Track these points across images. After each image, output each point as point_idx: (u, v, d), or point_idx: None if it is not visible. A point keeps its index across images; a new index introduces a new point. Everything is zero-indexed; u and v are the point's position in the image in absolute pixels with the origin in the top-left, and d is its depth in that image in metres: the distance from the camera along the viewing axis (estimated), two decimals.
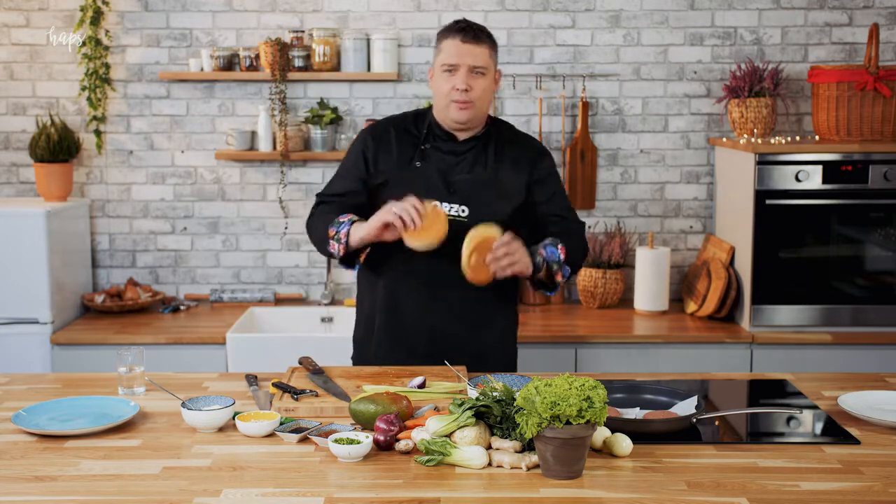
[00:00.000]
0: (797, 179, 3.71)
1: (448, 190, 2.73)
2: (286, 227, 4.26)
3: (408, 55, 4.18)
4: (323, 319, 4.10)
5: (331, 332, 4.08)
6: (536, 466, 2.00)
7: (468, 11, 4.14)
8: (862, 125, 3.79)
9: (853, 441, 2.19)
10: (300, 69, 4.10)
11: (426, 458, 2.02)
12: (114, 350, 2.64)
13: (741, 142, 3.88)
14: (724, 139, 4.05)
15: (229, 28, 4.18)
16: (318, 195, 2.88)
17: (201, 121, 4.23)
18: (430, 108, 2.85)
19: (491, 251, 2.50)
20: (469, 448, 2.02)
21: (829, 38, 4.19)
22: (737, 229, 3.91)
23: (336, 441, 2.05)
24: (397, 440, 2.11)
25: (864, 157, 3.70)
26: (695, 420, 2.25)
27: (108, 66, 4.16)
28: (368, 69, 4.12)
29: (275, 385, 2.47)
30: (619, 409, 2.33)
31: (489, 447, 2.07)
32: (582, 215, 4.25)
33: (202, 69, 4.11)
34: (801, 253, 3.77)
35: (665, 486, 1.94)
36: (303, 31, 4.13)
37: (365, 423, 2.20)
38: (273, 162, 4.22)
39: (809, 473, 2.01)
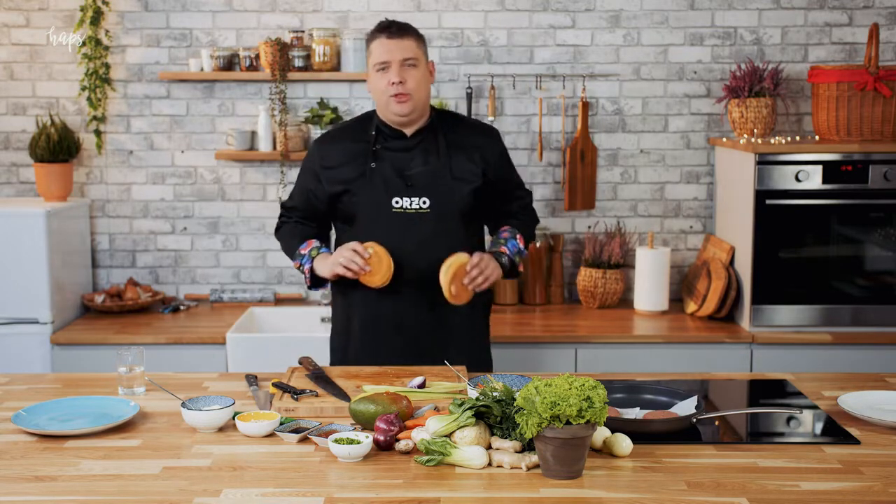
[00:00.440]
0: (797, 179, 3.71)
1: (406, 184, 2.80)
2: None
3: None
4: (323, 319, 4.09)
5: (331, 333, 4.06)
6: (536, 466, 2.00)
7: (468, 11, 4.14)
8: (862, 125, 3.79)
9: (853, 441, 2.20)
10: (300, 69, 4.10)
11: (426, 458, 2.02)
12: (114, 350, 2.64)
13: (741, 142, 3.88)
14: (724, 139, 4.05)
15: (229, 28, 4.18)
16: (282, 205, 3.02)
17: (201, 121, 4.23)
18: (374, 111, 2.90)
19: (466, 275, 2.72)
20: (469, 448, 2.02)
21: (829, 38, 4.19)
22: (737, 229, 3.91)
23: (336, 441, 2.06)
24: (397, 440, 2.12)
25: (864, 157, 3.70)
26: (695, 420, 2.25)
27: (108, 66, 4.16)
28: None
29: (275, 385, 2.47)
30: (619, 409, 2.33)
31: (489, 447, 2.07)
32: (582, 215, 4.26)
33: (202, 69, 4.11)
34: (801, 253, 3.77)
35: (665, 486, 1.94)
36: (303, 31, 4.13)
37: (365, 423, 2.20)
38: (273, 162, 4.22)
39: (809, 473, 2.01)
